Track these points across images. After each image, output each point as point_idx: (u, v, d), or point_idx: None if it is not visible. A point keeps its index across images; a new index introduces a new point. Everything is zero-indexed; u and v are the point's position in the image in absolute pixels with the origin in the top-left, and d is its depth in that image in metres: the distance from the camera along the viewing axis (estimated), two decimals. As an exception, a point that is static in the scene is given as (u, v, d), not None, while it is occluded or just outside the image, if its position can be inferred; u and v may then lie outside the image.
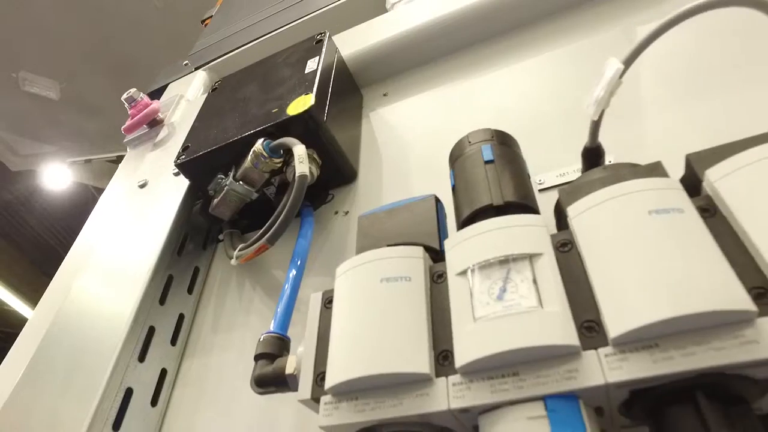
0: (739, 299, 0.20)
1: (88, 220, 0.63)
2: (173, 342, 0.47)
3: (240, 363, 0.43)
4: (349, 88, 0.61)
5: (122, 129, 0.68)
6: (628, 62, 0.28)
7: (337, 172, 0.52)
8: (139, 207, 0.56)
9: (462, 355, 0.23)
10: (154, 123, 0.71)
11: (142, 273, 0.46)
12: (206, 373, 0.45)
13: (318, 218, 0.52)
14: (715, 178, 0.24)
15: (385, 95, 0.63)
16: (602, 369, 0.22)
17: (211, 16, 1.06)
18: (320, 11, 0.75)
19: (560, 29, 0.56)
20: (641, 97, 0.44)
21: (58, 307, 0.47)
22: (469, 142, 0.36)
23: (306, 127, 0.48)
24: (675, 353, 0.21)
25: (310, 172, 0.48)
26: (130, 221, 0.55)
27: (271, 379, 0.31)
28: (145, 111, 0.67)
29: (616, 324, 0.22)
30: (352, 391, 0.25)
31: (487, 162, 0.34)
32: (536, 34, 0.57)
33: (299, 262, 0.42)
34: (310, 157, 0.49)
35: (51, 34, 2.33)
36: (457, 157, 0.36)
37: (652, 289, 0.21)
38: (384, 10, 0.70)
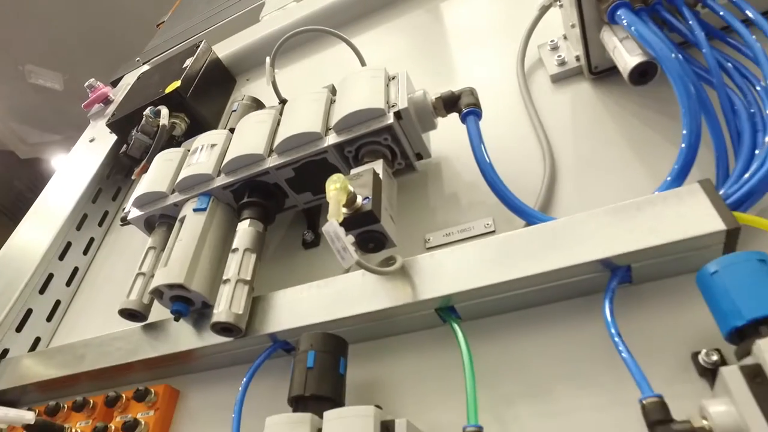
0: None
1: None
2: (100, 224, 0.89)
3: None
4: (221, 76, 1.02)
5: (82, 105, 1.11)
6: (271, 64, 0.67)
7: (201, 127, 0.92)
8: (86, 154, 0.98)
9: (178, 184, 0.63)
10: (107, 102, 1.13)
11: (81, 185, 0.88)
12: (119, 240, 0.86)
13: (188, 155, 0.92)
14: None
15: (248, 80, 1.03)
16: (216, 183, 0.61)
17: (164, 21, 1.48)
18: (219, 24, 1.16)
19: (374, 23, 0.93)
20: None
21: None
22: (233, 111, 0.76)
23: (176, 100, 0.88)
24: (233, 175, 0.60)
25: (179, 126, 0.89)
26: (80, 162, 0.97)
27: (123, 219, 0.71)
28: (97, 94, 1.09)
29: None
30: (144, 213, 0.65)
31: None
32: (356, 29, 0.95)
33: (159, 173, 0.83)
34: (179, 117, 0.89)
35: (54, 28, 2.81)
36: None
37: (236, 150, 0.61)
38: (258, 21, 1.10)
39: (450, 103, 0.56)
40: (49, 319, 0.76)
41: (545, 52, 0.65)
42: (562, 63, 0.62)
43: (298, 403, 0.40)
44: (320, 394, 0.40)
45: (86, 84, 1.12)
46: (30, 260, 0.77)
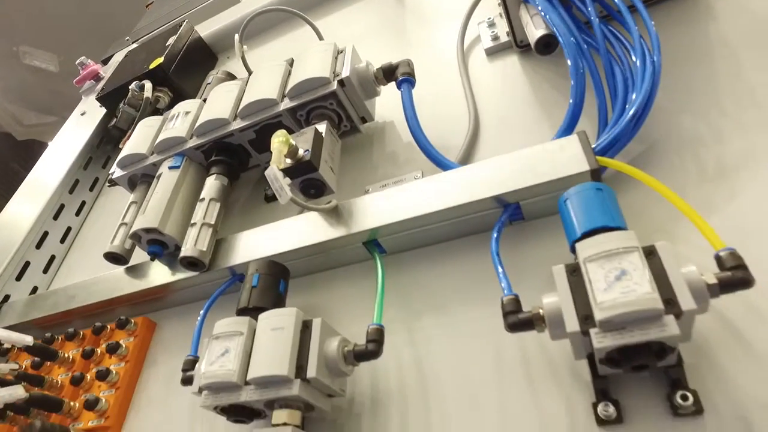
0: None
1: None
2: (91, 189, 0.99)
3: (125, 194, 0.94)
4: (202, 54, 1.11)
5: (74, 81, 1.20)
6: (240, 40, 0.76)
7: (183, 99, 1.02)
8: (78, 126, 1.08)
9: (153, 144, 0.73)
10: (98, 79, 1.23)
11: (73, 154, 0.98)
12: (109, 203, 0.96)
13: (171, 126, 1.01)
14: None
15: (228, 58, 1.12)
16: (189, 144, 0.70)
17: (152, 2, 1.57)
18: (203, 5, 1.25)
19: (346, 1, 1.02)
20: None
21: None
22: (208, 83, 0.85)
23: (159, 75, 0.98)
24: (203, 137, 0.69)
25: (163, 100, 0.99)
26: (72, 133, 1.06)
27: (110, 181, 0.81)
28: (88, 70, 1.18)
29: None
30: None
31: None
32: (329, 7, 1.04)
33: (143, 140, 0.92)
34: (162, 91, 0.99)
35: (48, 9, 2.88)
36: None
37: (205, 115, 0.70)
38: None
39: (389, 72, 0.65)
40: (45, 271, 0.87)
41: (483, 28, 0.74)
42: (495, 38, 0.71)
43: (242, 313, 0.50)
44: (260, 306, 0.50)
45: (77, 61, 1.21)
46: (27, 219, 0.88)
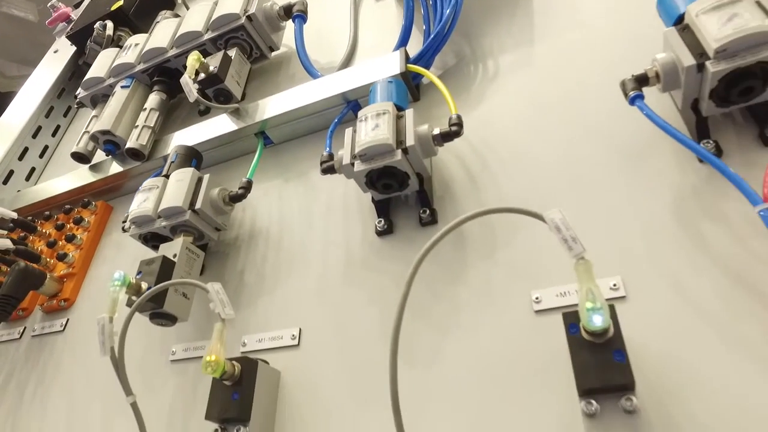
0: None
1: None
2: (65, 115, 1.28)
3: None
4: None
5: (46, 23, 1.48)
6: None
7: (142, 39, 1.29)
8: (52, 61, 1.36)
9: (109, 69, 1.01)
10: (70, 21, 1.50)
11: (47, 84, 1.26)
12: (81, 128, 1.25)
13: (132, 62, 1.29)
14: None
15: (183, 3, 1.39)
16: (137, 68, 0.98)
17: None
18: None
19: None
20: None
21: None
22: (157, 22, 1.12)
23: (120, 16, 1.25)
24: (148, 62, 0.97)
25: (125, 39, 1.26)
26: (47, 68, 1.35)
27: (78, 103, 1.09)
28: (59, 13, 1.46)
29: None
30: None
31: (155, 21, 1.10)
32: None
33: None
34: (124, 31, 1.26)
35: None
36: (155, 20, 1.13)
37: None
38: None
39: (288, 10, 0.92)
40: (27, 179, 1.16)
41: (374, -24, 1.00)
42: (380, -17, 0.97)
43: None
44: (175, 172, 0.78)
45: (49, 4, 1.49)
46: (8, 137, 1.16)
